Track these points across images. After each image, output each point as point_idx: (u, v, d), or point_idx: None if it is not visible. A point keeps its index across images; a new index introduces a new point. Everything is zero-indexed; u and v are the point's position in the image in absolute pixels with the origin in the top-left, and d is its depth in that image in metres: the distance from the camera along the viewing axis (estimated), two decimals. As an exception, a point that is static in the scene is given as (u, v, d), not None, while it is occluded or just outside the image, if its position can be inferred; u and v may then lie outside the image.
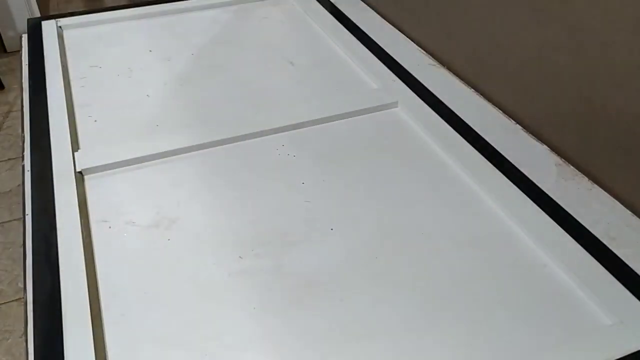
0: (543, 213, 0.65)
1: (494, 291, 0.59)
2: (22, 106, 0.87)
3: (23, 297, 0.58)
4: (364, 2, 1.15)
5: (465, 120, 0.80)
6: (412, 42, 1.01)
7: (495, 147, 0.75)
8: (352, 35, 1.02)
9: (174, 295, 0.58)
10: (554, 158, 0.75)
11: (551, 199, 0.68)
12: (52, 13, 1.72)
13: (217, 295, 0.58)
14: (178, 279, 0.60)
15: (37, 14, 2.35)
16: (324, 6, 1.12)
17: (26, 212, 0.66)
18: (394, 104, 0.84)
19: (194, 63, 0.96)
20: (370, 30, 1.04)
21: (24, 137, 0.79)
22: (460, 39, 0.90)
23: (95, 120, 0.82)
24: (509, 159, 0.73)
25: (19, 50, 1.03)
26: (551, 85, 0.74)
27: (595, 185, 0.70)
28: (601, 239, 0.63)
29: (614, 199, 0.68)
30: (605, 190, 0.69)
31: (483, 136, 0.77)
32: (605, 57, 0.66)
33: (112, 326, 0.55)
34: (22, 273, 0.61)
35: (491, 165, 0.72)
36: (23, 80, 0.93)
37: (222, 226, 0.66)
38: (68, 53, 0.99)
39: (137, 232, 0.65)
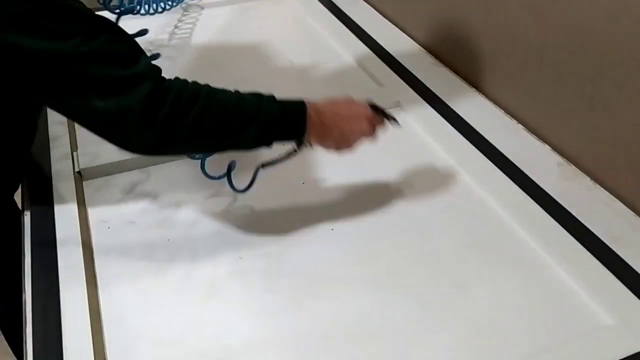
0: (545, 213, 0.65)
1: (494, 291, 0.58)
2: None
3: (22, 297, 0.58)
4: (365, 1, 1.15)
5: (466, 119, 0.80)
6: (413, 41, 1.01)
7: (496, 146, 0.75)
8: (352, 35, 1.02)
9: (174, 296, 0.58)
10: (556, 158, 0.74)
11: (553, 198, 0.67)
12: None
13: (217, 296, 0.58)
14: (177, 279, 0.60)
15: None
16: (324, 5, 1.12)
17: (25, 212, 0.66)
18: (395, 104, 0.84)
19: (194, 63, 0.96)
20: (371, 29, 1.04)
21: (23, 136, 0.79)
22: (462, 39, 0.90)
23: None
24: (510, 158, 0.73)
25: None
26: (553, 85, 0.74)
27: (597, 185, 0.70)
28: (603, 239, 0.62)
29: (615, 199, 0.68)
30: (607, 190, 0.69)
31: (484, 136, 0.77)
32: (607, 57, 0.65)
33: (112, 326, 0.55)
34: (21, 273, 0.60)
35: (493, 165, 0.72)
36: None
37: (222, 226, 0.66)
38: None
39: (137, 232, 0.65)
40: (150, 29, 1.04)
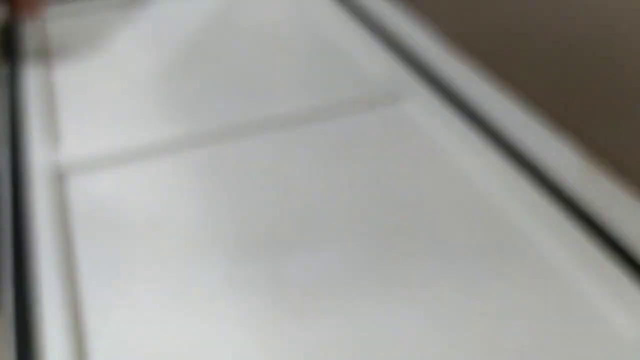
0: (562, 215, 0.63)
1: (505, 296, 0.56)
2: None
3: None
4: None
5: (477, 112, 0.78)
6: (420, 32, 0.98)
7: (512, 142, 0.72)
8: (355, 21, 1.00)
9: (168, 300, 0.56)
10: (577, 157, 0.71)
11: (572, 200, 0.65)
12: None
13: (214, 299, 0.57)
14: (173, 282, 0.58)
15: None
16: (324, -5, 1.11)
17: (4, 215, 0.65)
18: (402, 97, 0.82)
19: (187, 55, 0.95)
20: (375, 14, 1.02)
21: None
22: (478, 19, 0.88)
23: (81, 113, 0.81)
24: (527, 156, 0.71)
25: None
26: (577, 79, 0.72)
27: (622, 188, 0.67)
28: (626, 245, 0.60)
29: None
30: (632, 192, 0.66)
31: (497, 129, 0.74)
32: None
33: (97, 336, 0.53)
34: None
35: (506, 162, 0.70)
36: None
37: (220, 227, 0.64)
38: (53, 42, 0.98)
39: (127, 234, 0.63)
40: (140, 19, 1.05)
